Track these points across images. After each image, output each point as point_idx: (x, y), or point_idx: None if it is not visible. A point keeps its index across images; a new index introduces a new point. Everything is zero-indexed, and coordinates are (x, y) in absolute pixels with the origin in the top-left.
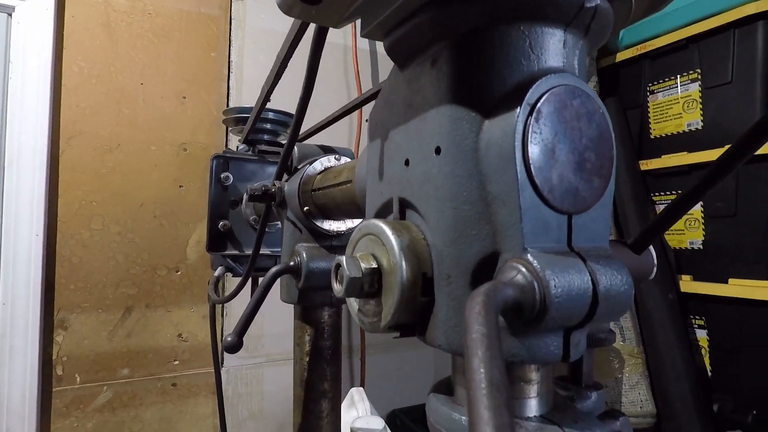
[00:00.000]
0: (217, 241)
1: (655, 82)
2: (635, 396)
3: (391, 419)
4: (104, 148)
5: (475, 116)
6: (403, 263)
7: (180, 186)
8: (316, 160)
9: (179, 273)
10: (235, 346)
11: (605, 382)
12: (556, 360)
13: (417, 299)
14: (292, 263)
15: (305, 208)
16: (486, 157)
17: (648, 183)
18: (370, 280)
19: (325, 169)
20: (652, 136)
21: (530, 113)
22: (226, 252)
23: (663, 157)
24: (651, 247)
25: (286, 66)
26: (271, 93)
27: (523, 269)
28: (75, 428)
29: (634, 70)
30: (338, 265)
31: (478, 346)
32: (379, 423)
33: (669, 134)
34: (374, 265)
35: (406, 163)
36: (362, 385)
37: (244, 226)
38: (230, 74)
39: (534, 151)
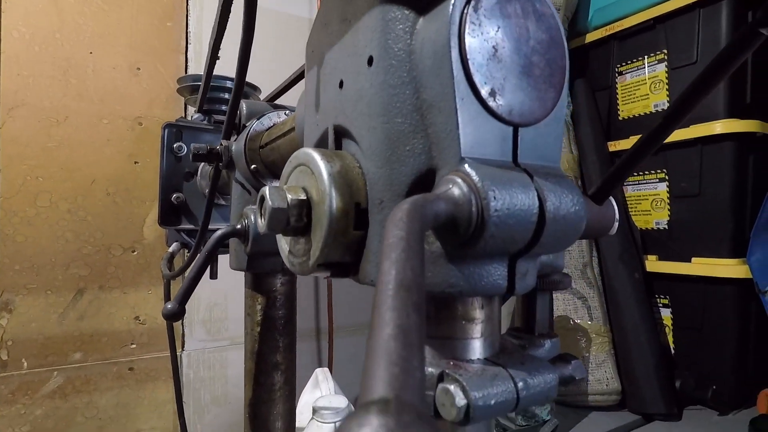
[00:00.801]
0: (170, 214)
1: (624, 63)
2: (601, 374)
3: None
4: (50, 120)
5: (409, 14)
6: (332, 191)
7: (135, 162)
8: (264, 115)
9: (135, 253)
10: (175, 314)
11: None
12: (500, 291)
13: (349, 233)
14: (239, 226)
15: (252, 167)
16: (420, 59)
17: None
18: (297, 213)
19: (274, 124)
20: (620, 118)
21: (468, 1)
22: (181, 226)
23: (631, 137)
24: (612, 201)
25: (227, 18)
26: (218, 51)
27: (460, 181)
28: (23, 415)
29: (604, 51)
30: (262, 198)
31: (392, 249)
32: (342, 401)
33: (637, 115)
34: (302, 197)
35: (341, 85)
36: (330, 367)
37: (199, 199)
38: (188, 45)
39: (472, 45)
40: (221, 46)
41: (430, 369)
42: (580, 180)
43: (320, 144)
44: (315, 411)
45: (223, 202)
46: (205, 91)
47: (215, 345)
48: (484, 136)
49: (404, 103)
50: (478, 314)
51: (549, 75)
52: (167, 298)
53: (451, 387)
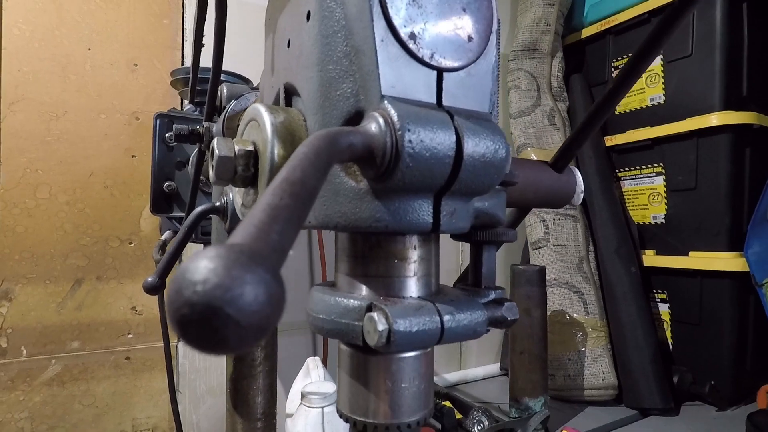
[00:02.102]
0: (162, 202)
1: (620, 58)
2: (597, 368)
3: None
4: (50, 114)
5: None
6: (274, 139)
7: (132, 156)
8: (242, 96)
9: (132, 245)
10: (155, 287)
11: (567, 355)
12: (425, 227)
13: None
14: (218, 203)
15: None
16: (348, 8)
17: (613, 159)
18: (244, 163)
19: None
20: (616, 113)
21: None
22: (173, 214)
23: (627, 132)
24: (576, 170)
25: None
26: (201, 40)
27: (378, 117)
28: (21, 402)
29: (599, 46)
30: (212, 149)
31: (292, 159)
32: (330, 387)
33: (633, 110)
34: (249, 148)
35: (288, 44)
36: (324, 359)
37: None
38: (184, 42)
39: None
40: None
41: (361, 303)
42: None
43: (275, 104)
44: (303, 396)
45: (211, 190)
46: (194, 81)
47: None
48: (407, 78)
49: (335, 51)
50: (411, 254)
51: (473, 22)
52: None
53: (375, 314)
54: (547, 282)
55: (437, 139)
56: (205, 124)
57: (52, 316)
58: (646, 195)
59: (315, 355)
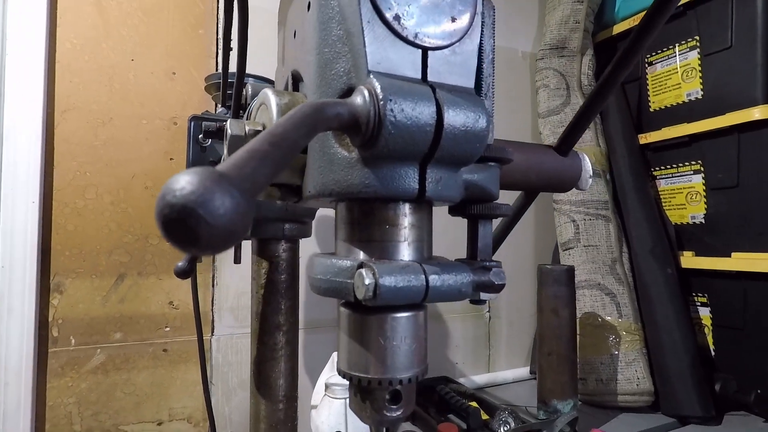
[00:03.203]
0: None
1: (653, 53)
2: (631, 373)
3: None
4: (97, 121)
5: None
6: (275, 113)
7: (170, 159)
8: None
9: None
10: (185, 271)
11: (600, 359)
12: (411, 193)
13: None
14: None
15: None
16: None
17: (648, 157)
18: None
19: None
20: (651, 110)
21: None
22: None
23: (663, 129)
24: (583, 155)
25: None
26: (229, 44)
27: (364, 90)
28: (69, 388)
29: None
30: (226, 130)
31: (282, 118)
32: None
33: (668, 106)
34: (258, 128)
35: (295, 35)
36: None
37: None
38: (218, 51)
39: None
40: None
41: (353, 263)
42: (609, 174)
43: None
44: (327, 387)
45: None
46: (224, 85)
47: (242, 331)
48: (393, 56)
49: (330, 35)
50: (402, 220)
51: (457, 4)
52: (194, 280)
53: (364, 271)
54: (578, 283)
55: (418, 109)
56: (231, 121)
57: (98, 308)
58: (684, 194)
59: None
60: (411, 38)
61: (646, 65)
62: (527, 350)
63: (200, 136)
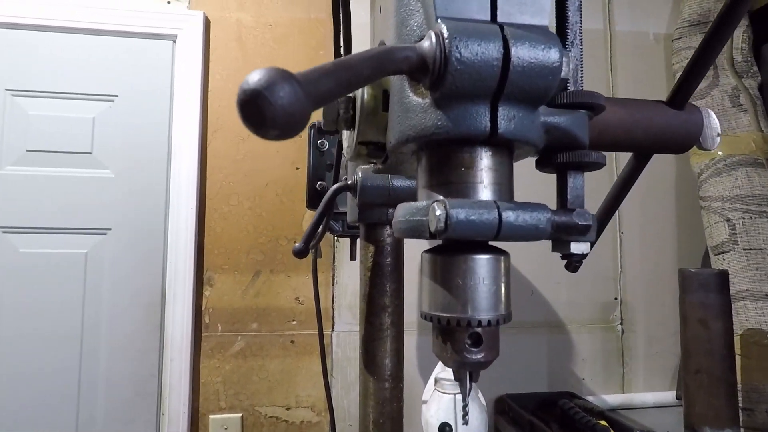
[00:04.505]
0: (315, 199)
1: None
2: None
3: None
4: (238, 138)
5: None
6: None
7: (297, 168)
8: None
9: (296, 243)
10: (300, 252)
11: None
12: (483, 132)
13: (379, 113)
14: (350, 182)
15: None
16: None
17: None
18: (345, 107)
19: None
20: None
21: None
22: None
23: None
24: (707, 110)
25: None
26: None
27: (432, 34)
28: (217, 368)
29: None
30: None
31: (355, 54)
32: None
33: None
34: (350, 96)
35: (380, 10)
36: None
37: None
38: None
39: None
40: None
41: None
42: None
43: None
44: (437, 381)
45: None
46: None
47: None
48: (460, 2)
49: None
50: (478, 162)
51: None
52: (314, 271)
53: (436, 204)
54: (738, 293)
55: (484, 45)
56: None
57: (238, 300)
58: None
59: None
60: None
61: None
62: (672, 372)
63: (319, 142)
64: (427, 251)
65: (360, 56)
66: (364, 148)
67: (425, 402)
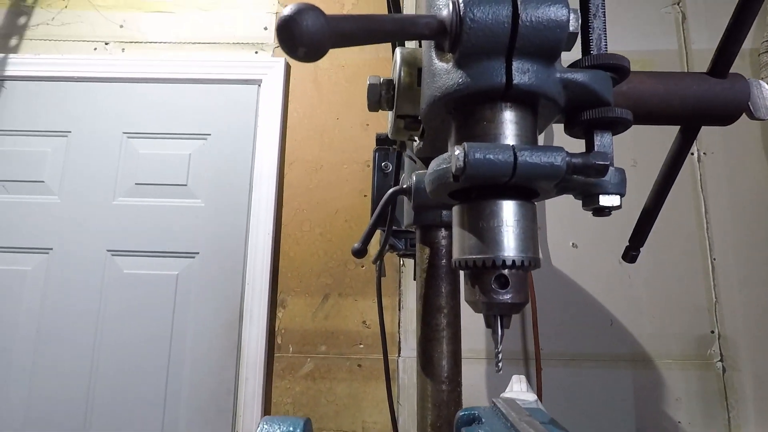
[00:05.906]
0: (379, 219)
1: None
2: None
3: None
4: (311, 168)
5: None
6: (399, 59)
7: (364, 195)
8: None
9: (364, 268)
10: (359, 251)
11: None
12: (499, 85)
13: (414, 88)
14: (405, 186)
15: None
16: None
17: None
18: (386, 87)
19: None
20: None
21: None
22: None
23: None
24: (757, 80)
25: None
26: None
27: (450, 3)
28: (287, 389)
29: None
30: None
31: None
32: (530, 396)
33: None
34: (390, 78)
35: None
36: (539, 395)
37: (401, 206)
38: None
39: None
40: None
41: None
42: None
43: None
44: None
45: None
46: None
47: None
48: None
49: None
50: (499, 116)
51: None
52: (379, 290)
53: (456, 147)
54: None
55: (495, 6)
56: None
57: (308, 322)
58: None
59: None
60: None
61: None
62: None
63: (383, 164)
64: (455, 203)
65: (387, 15)
66: (402, 121)
67: None
